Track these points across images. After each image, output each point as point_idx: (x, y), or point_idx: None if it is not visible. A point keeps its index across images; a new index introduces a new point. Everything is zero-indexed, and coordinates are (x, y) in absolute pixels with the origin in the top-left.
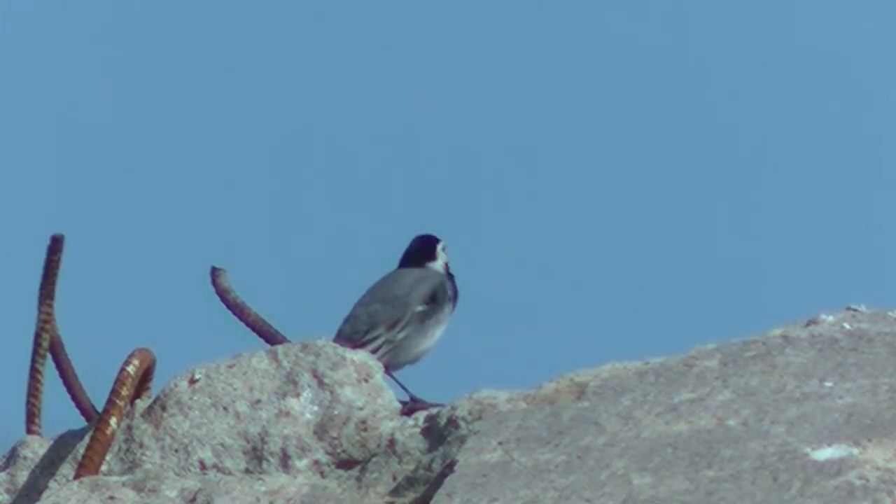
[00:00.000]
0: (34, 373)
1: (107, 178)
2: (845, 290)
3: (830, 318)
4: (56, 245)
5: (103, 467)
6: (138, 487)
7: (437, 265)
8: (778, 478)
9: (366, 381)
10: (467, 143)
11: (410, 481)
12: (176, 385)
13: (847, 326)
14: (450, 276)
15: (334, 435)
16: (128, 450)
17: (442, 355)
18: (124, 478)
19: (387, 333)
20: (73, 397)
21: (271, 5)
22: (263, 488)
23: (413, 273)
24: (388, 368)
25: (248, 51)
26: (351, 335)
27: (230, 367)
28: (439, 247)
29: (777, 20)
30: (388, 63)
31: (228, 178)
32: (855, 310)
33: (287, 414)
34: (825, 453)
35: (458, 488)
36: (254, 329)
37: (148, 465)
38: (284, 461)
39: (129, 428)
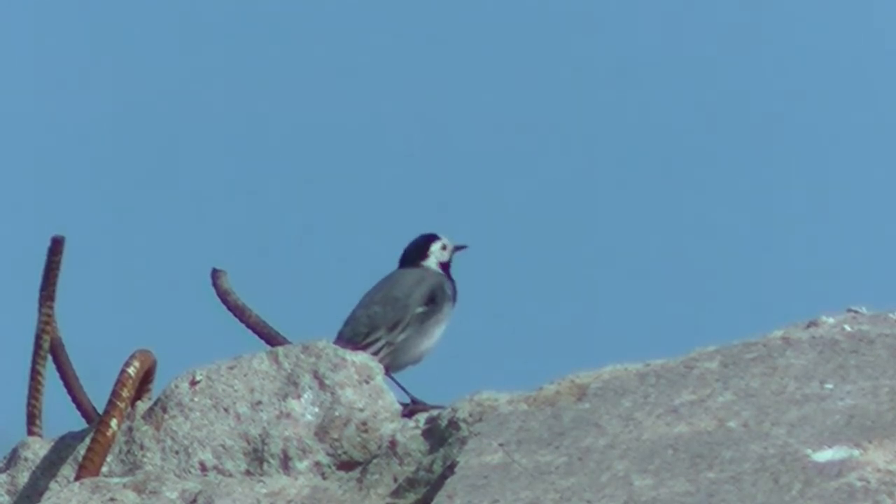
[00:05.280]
0: (35, 374)
1: (107, 179)
2: (846, 292)
3: (831, 320)
4: (56, 246)
5: (104, 469)
6: (139, 489)
7: (429, 263)
8: (779, 479)
9: (366, 382)
10: (467, 141)
11: (411, 483)
12: (177, 386)
13: (848, 328)
14: (449, 276)
15: (335, 436)
16: (128, 451)
17: (442, 357)
18: (125, 479)
19: (387, 335)
20: (74, 399)
21: (269, 6)
22: (264, 490)
23: (412, 274)
24: (389, 370)
25: (248, 50)
26: (351, 337)
27: (231, 368)
28: (436, 245)
29: (784, 23)
30: (385, 63)
31: (229, 180)
32: (856, 311)
33: (288, 415)
34: (826, 455)
35: (458, 490)
36: (254, 330)
37: (149, 467)
38: (285, 463)
39: (130, 429)
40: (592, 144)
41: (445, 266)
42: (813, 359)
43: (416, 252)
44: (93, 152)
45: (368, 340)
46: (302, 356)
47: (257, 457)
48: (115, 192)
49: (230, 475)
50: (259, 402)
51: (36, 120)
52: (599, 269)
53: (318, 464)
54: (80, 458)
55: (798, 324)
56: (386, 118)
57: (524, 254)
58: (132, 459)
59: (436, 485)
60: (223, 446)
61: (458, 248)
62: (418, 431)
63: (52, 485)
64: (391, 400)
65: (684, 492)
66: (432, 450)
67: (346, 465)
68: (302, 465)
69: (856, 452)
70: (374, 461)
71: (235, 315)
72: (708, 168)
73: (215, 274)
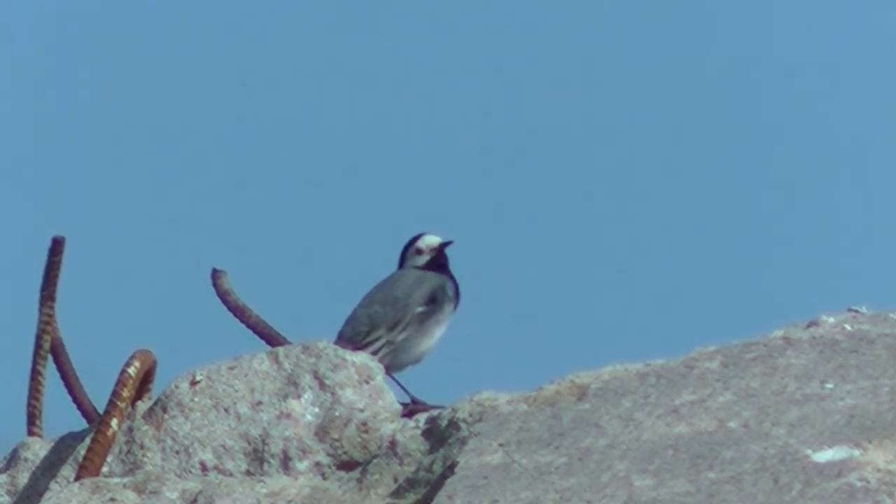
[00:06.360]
0: (35, 374)
1: (107, 179)
2: (846, 292)
3: (831, 320)
4: (57, 247)
5: (104, 469)
6: (139, 489)
7: (410, 263)
8: (779, 480)
9: (366, 382)
10: (468, 141)
11: (411, 483)
12: (177, 387)
13: (848, 328)
14: (451, 276)
15: (335, 436)
16: (129, 451)
17: (443, 357)
18: (125, 479)
19: (387, 335)
20: (74, 399)
21: (269, 6)
22: (264, 490)
23: (413, 274)
24: (389, 370)
25: (250, 49)
26: (352, 337)
27: (231, 368)
28: (409, 252)
29: (787, 22)
30: (387, 63)
31: (229, 180)
32: (856, 311)
33: (288, 416)
34: (826, 455)
35: (458, 490)
36: (255, 331)
37: (149, 467)
38: (285, 463)
39: (130, 429)
40: (593, 144)
41: (445, 266)
42: (813, 359)
43: (399, 259)
44: (93, 152)
45: (369, 340)
46: (302, 356)
47: (257, 457)
48: (115, 191)
49: (230, 475)
50: (259, 403)
51: (36, 120)
52: (599, 269)
53: (318, 464)
54: (80, 459)
55: (798, 324)
56: (386, 117)
57: (524, 254)
58: (132, 459)
59: (436, 485)
60: (223, 446)
61: (444, 245)
62: (418, 431)
63: (52, 485)
64: (391, 400)
65: (684, 492)
66: (432, 450)
67: (346, 466)
68: (302, 465)
69: (856, 452)
70: (374, 461)
71: (235, 315)
72: (708, 168)
73: (215, 274)
